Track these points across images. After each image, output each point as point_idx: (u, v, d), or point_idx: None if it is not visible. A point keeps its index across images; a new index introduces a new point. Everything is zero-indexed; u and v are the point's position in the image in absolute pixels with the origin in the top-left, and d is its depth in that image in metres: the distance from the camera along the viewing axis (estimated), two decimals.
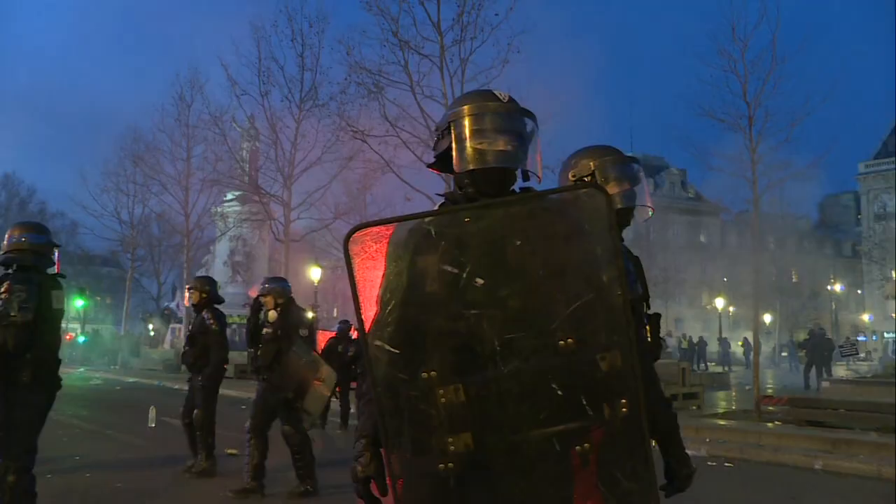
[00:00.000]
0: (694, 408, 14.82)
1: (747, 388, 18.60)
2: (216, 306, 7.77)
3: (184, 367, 8.37)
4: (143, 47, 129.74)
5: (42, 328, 4.47)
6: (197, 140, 27.33)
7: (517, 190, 2.04)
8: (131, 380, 24.44)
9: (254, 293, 7.07)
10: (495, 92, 2.04)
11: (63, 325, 4.99)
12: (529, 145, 2.00)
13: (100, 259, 54.59)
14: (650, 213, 2.73)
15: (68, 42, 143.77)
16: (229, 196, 32.57)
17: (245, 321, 8.43)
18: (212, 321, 7.57)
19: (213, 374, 7.59)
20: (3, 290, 4.37)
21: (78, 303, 41.85)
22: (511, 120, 1.98)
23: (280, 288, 6.91)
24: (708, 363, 35.91)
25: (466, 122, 1.97)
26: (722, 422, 12.44)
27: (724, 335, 40.09)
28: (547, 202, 1.81)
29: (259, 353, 6.75)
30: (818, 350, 21.26)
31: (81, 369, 29.00)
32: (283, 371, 6.50)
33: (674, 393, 14.03)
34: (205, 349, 7.56)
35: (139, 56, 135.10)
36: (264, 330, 6.75)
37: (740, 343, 39.06)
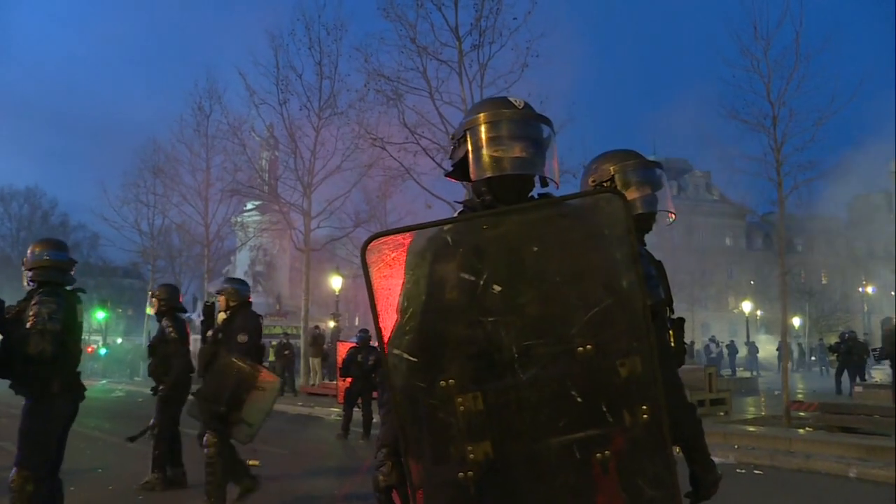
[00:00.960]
0: (721, 414, 14.67)
1: (776, 393, 18.39)
2: (179, 315, 7.64)
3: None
4: (161, 58, 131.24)
5: (67, 339, 4.64)
6: (216, 150, 27.63)
7: (535, 196, 2.06)
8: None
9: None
10: (510, 99, 2.06)
11: (85, 337, 5.13)
12: (546, 151, 2.02)
13: (121, 270, 55.31)
14: (671, 218, 2.73)
15: (89, 55, 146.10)
16: (249, 206, 32.84)
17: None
18: (170, 329, 7.42)
19: (175, 384, 7.35)
20: (33, 302, 4.58)
21: (99, 315, 42.26)
22: (526, 126, 2.01)
23: (232, 289, 6.50)
24: (736, 368, 35.60)
25: (482, 129, 2.00)
26: (751, 428, 12.30)
27: (751, 339, 39.69)
28: (564, 208, 1.81)
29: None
30: (852, 354, 20.93)
31: (103, 381, 29.30)
32: (213, 381, 5.97)
33: (701, 399, 13.91)
34: (165, 359, 7.41)
35: (158, 67, 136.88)
36: (208, 333, 6.40)
37: (772, 347, 38.60)
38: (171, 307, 7.61)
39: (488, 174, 1.98)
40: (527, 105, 2.04)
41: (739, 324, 47.17)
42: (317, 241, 24.52)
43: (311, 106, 22.42)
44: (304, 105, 22.44)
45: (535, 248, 1.73)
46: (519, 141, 1.98)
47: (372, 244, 1.71)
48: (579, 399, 1.65)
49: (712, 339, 36.77)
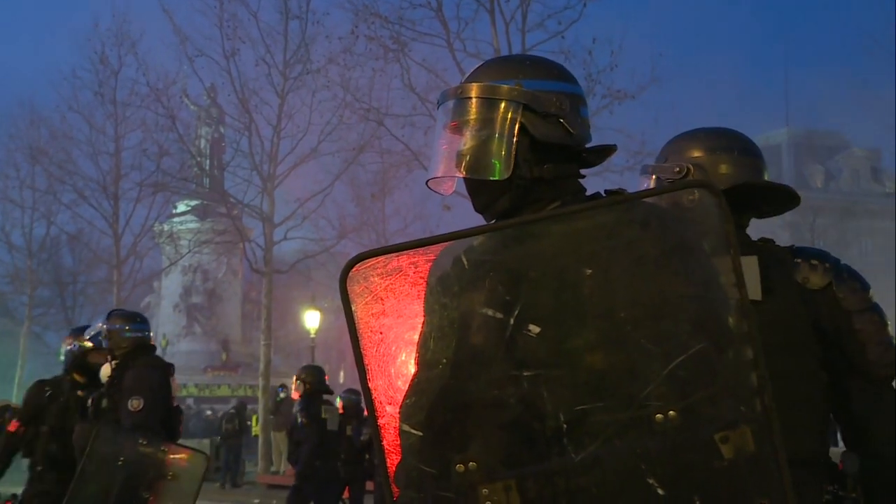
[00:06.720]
0: None
1: None
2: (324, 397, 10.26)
3: None
4: None
5: None
6: (130, 124, 27.78)
7: (603, 195, 2.11)
8: None
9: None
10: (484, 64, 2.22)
11: None
12: (498, 132, 2.09)
13: None
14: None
15: None
16: (181, 207, 33.06)
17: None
18: (302, 413, 10.13)
19: (300, 474, 9.67)
20: None
21: None
22: (461, 106, 2.14)
23: (120, 327, 6.34)
24: None
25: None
26: None
27: None
28: (631, 212, 1.85)
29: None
30: None
31: None
32: (89, 479, 5.63)
33: None
34: (297, 446, 9.92)
35: None
36: (88, 402, 6.36)
37: None
38: (317, 391, 10.13)
39: (430, 176, 2.20)
40: (483, 67, 2.19)
41: None
42: (283, 259, 24.65)
43: (273, 60, 22.58)
44: (261, 58, 22.61)
45: (589, 271, 1.76)
46: (448, 131, 2.16)
47: (355, 269, 1.73)
48: (661, 490, 1.66)
49: None
